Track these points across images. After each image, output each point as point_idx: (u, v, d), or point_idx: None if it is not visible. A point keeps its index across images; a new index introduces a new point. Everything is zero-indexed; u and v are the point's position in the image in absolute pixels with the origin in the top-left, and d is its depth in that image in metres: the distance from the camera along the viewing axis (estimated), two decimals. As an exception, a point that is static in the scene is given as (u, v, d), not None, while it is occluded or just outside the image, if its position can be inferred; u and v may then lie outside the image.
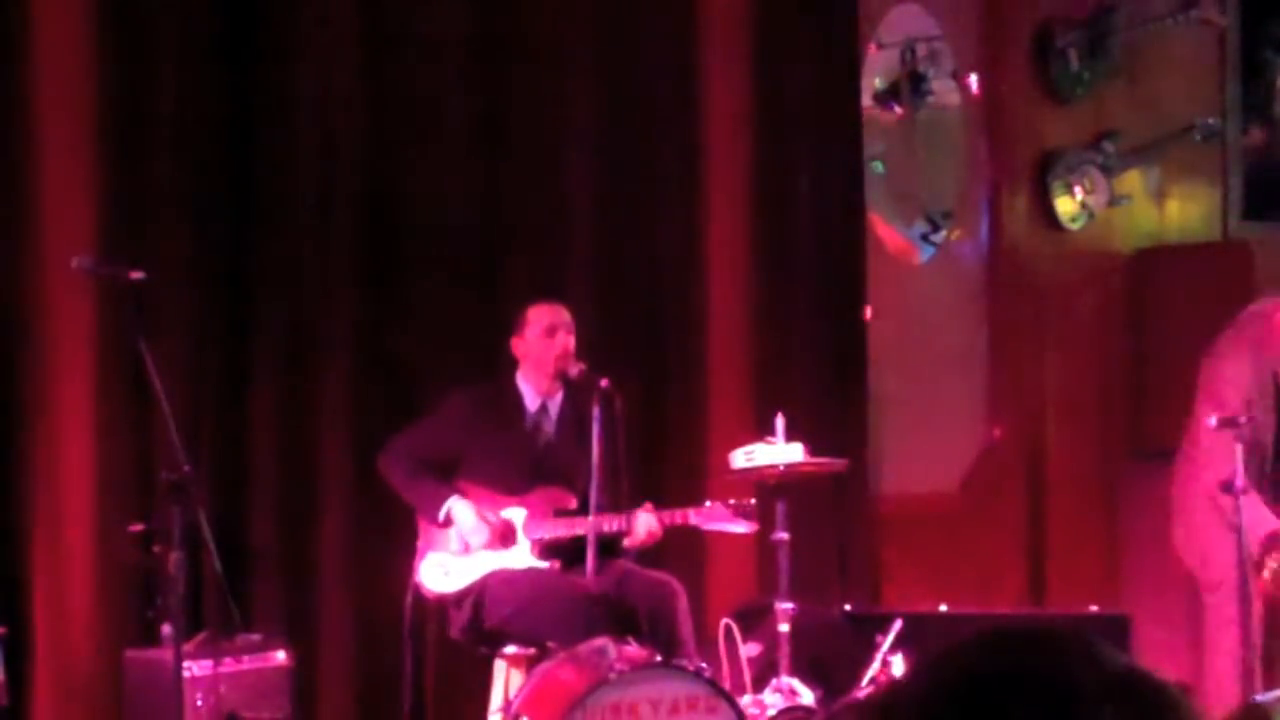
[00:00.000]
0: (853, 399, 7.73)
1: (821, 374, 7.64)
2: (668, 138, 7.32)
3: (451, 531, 5.93)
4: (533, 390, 6.07)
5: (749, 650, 6.13)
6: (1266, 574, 6.27)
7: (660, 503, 5.90)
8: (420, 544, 5.97)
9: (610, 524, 5.74)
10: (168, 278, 6.01)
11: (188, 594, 5.20)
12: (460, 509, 5.89)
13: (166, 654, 5.24)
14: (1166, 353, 8.32)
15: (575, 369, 5.88)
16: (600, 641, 5.23)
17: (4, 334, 6.00)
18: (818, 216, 7.69)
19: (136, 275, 5.25)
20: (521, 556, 5.92)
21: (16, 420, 5.98)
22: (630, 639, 5.47)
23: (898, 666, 6.03)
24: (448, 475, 5.98)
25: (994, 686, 1.28)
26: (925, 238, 8.41)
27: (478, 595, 5.86)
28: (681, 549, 6.51)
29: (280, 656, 5.82)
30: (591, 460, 5.62)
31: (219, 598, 5.66)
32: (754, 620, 6.32)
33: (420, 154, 6.72)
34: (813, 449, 6.03)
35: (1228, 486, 5.91)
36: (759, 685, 5.96)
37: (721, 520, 5.83)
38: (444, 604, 5.95)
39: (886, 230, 8.23)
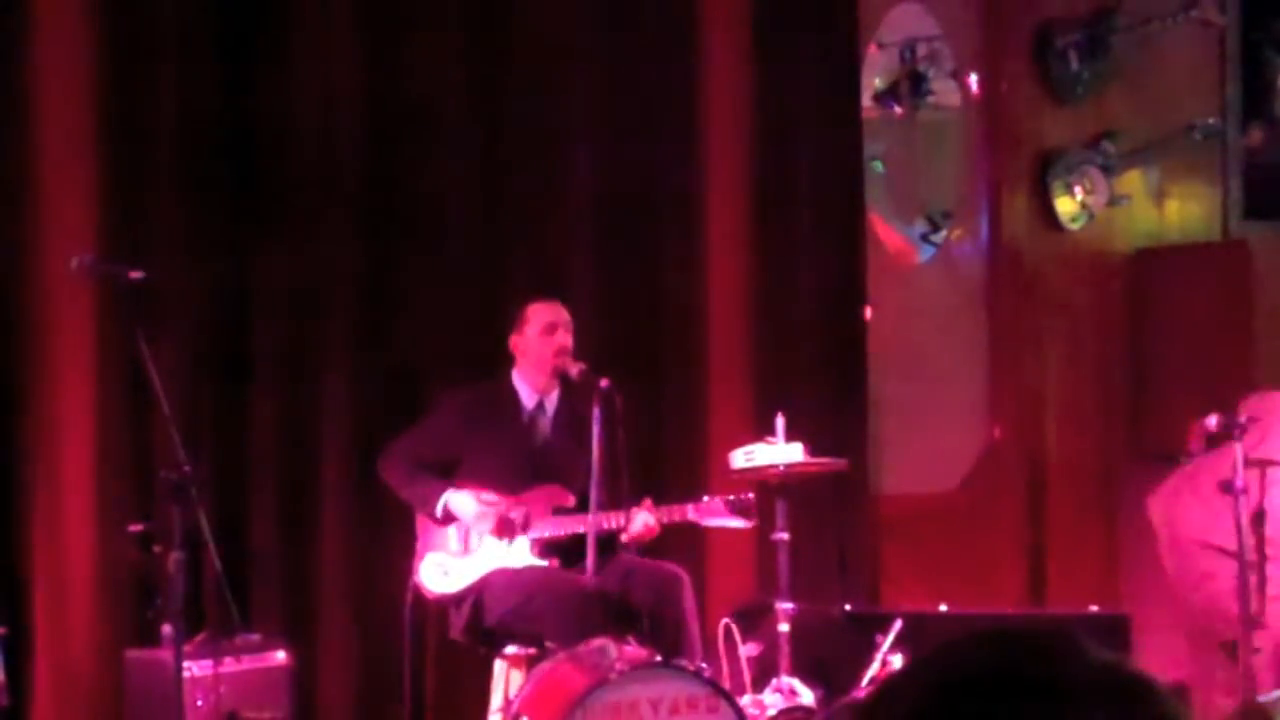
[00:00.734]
0: (853, 399, 7.73)
1: (821, 374, 7.64)
2: (668, 138, 7.32)
3: (451, 531, 5.93)
4: (529, 388, 6.07)
5: (749, 650, 6.13)
6: None
7: (660, 502, 5.90)
8: (419, 544, 5.97)
9: (609, 521, 5.74)
10: (168, 278, 6.02)
11: (188, 594, 5.20)
12: (459, 500, 5.89)
13: (166, 654, 5.24)
14: (1166, 353, 8.32)
15: (575, 369, 5.88)
16: (600, 641, 5.23)
17: (4, 334, 6.00)
18: (818, 216, 7.69)
19: (136, 275, 5.25)
20: (521, 555, 5.92)
21: (17, 420, 5.99)
22: (630, 638, 5.47)
23: (897, 666, 6.02)
24: (447, 475, 5.98)
25: (984, 687, 1.28)
26: (925, 238, 8.42)
27: (477, 595, 5.86)
28: (682, 548, 6.50)
29: (280, 656, 5.82)
30: (589, 459, 5.62)
31: (219, 598, 5.66)
32: (754, 620, 6.32)
33: (420, 154, 6.72)
34: (813, 449, 6.03)
35: (1227, 486, 5.92)
36: (759, 685, 5.96)
37: (720, 515, 5.83)
38: (444, 604, 5.96)
39: (886, 230, 8.23)
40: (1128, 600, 7.88)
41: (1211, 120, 8.94)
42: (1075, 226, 8.63)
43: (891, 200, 8.28)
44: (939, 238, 8.42)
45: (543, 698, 5.20)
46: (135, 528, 5.66)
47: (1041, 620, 7.32)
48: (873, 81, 8.14)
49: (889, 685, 1.35)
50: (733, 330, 7.49)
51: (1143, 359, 8.62)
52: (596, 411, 5.60)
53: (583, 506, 5.78)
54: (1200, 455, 6.64)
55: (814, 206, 7.69)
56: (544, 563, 5.91)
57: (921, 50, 8.27)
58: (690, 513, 5.83)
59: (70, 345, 6.06)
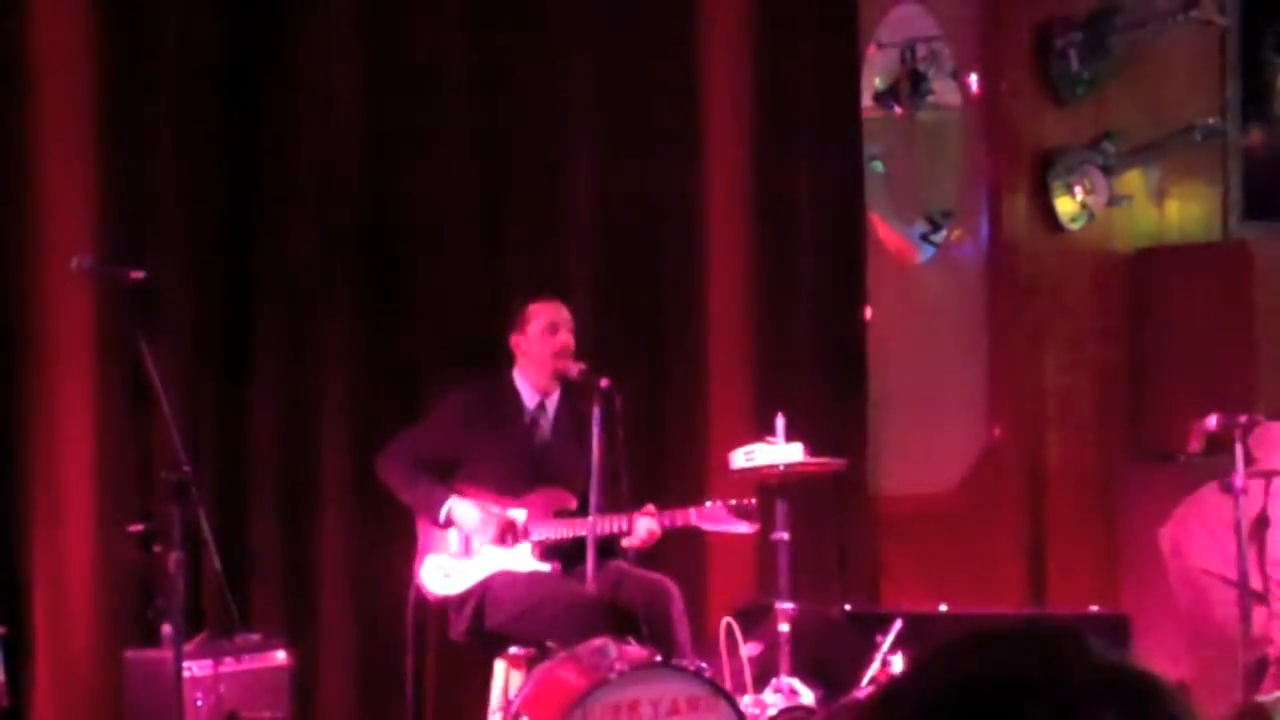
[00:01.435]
0: (853, 399, 7.72)
1: (821, 374, 7.63)
2: (668, 138, 7.32)
3: (451, 533, 5.93)
4: (530, 388, 6.06)
5: (749, 650, 6.12)
6: None
7: (660, 502, 5.90)
8: (420, 545, 5.97)
9: (610, 525, 5.73)
10: (168, 278, 6.02)
11: (188, 594, 5.20)
12: (462, 508, 5.89)
13: (166, 654, 5.24)
14: (1166, 353, 8.32)
15: (575, 369, 5.87)
16: (600, 641, 5.23)
17: (4, 334, 6.00)
18: (818, 216, 7.69)
19: (136, 275, 5.25)
20: (522, 558, 5.91)
21: (16, 420, 5.98)
22: (630, 639, 5.47)
23: (898, 666, 6.02)
24: (447, 476, 5.97)
25: (992, 687, 1.27)
26: (925, 238, 8.41)
27: (479, 598, 5.86)
28: (682, 549, 6.51)
29: (280, 656, 5.82)
30: (590, 460, 5.62)
31: (219, 598, 5.66)
32: (754, 620, 6.32)
33: (420, 153, 6.72)
34: (813, 449, 6.03)
35: (1228, 486, 5.92)
36: (759, 685, 5.96)
37: (722, 521, 5.82)
38: (445, 606, 5.95)
39: (886, 230, 8.23)
40: (1128, 600, 7.88)
41: (1211, 120, 8.94)
42: (1075, 226, 8.62)
43: (891, 200, 8.28)
44: (939, 238, 8.41)
45: (543, 698, 5.19)
46: (135, 528, 5.66)
47: (1044, 619, 7.32)
48: (873, 81, 8.14)
49: (896, 684, 1.35)
50: (733, 330, 7.48)
51: (1143, 359, 8.62)
52: (596, 411, 5.60)
53: (584, 508, 5.78)
54: (1206, 486, 6.62)
55: (814, 206, 7.68)
56: (545, 566, 5.91)
57: (921, 50, 8.27)
58: (693, 518, 5.83)
59: (70, 345, 6.06)
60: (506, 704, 5.57)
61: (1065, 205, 8.58)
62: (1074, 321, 8.62)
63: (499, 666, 5.90)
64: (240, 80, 6.41)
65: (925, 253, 8.40)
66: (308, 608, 6.43)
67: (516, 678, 5.77)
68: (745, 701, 5.64)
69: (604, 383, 5.62)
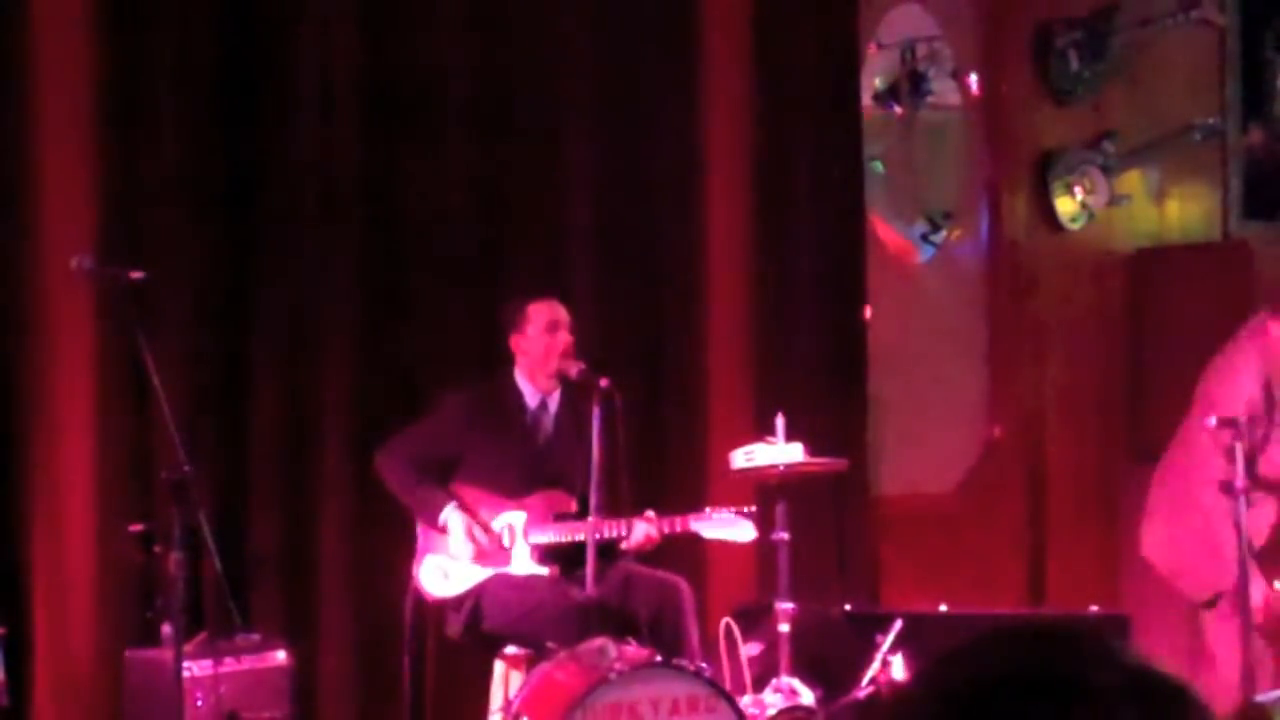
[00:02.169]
0: (853, 399, 7.73)
1: (821, 374, 7.63)
2: (668, 138, 7.32)
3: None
4: (531, 388, 6.06)
5: (749, 650, 6.12)
6: None
7: (660, 502, 5.90)
8: (419, 546, 5.97)
9: (609, 530, 5.73)
10: (168, 278, 6.01)
11: (188, 594, 5.20)
12: (453, 521, 5.87)
13: (166, 654, 5.24)
14: (1166, 353, 8.31)
15: (575, 368, 5.87)
16: (600, 641, 5.23)
17: (4, 334, 6.00)
18: (818, 216, 7.69)
19: (136, 275, 5.25)
20: (521, 562, 5.91)
21: (16, 420, 5.98)
22: (630, 640, 5.46)
23: (898, 666, 6.03)
24: (447, 476, 5.97)
25: (1015, 686, 1.27)
26: (925, 238, 8.41)
27: (476, 600, 5.86)
28: (682, 549, 6.50)
29: (280, 656, 5.81)
30: (590, 460, 5.61)
31: (219, 598, 5.66)
32: (754, 620, 6.32)
33: (420, 153, 6.72)
34: (813, 449, 6.03)
35: (1228, 486, 5.91)
36: (759, 685, 5.96)
37: (722, 527, 5.81)
38: (443, 606, 5.95)
39: (886, 230, 8.23)
40: (1128, 600, 7.87)
41: (1211, 120, 8.94)
42: (1075, 226, 8.62)
43: (891, 200, 8.28)
44: (939, 238, 8.41)
45: (543, 698, 5.19)
46: (135, 528, 5.67)
47: (1049, 620, 7.31)
48: (873, 81, 8.13)
49: (915, 684, 1.34)
50: (733, 330, 7.48)
51: (1143, 359, 8.62)
52: (596, 411, 5.60)
53: (584, 509, 5.78)
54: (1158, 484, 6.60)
55: (814, 206, 7.69)
56: (544, 569, 5.90)
57: (921, 50, 8.27)
58: (692, 524, 5.81)
59: (70, 345, 6.06)
60: (506, 704, 5.56)
61: (1065, 205, 8.58)
62: (1074, 321, 8.62)
63: (499, 667, 5.90)
64: (240, 80, 6.41)
65: (925, 253, 8.40)
66: (308, 608, 6.43)
67: (516, 678, 5.77)
68: (745, 701, 5.64)
69: (604, 382, 5.62)
